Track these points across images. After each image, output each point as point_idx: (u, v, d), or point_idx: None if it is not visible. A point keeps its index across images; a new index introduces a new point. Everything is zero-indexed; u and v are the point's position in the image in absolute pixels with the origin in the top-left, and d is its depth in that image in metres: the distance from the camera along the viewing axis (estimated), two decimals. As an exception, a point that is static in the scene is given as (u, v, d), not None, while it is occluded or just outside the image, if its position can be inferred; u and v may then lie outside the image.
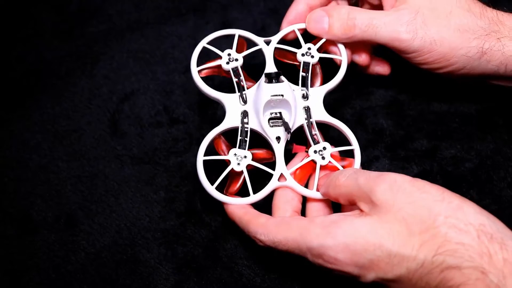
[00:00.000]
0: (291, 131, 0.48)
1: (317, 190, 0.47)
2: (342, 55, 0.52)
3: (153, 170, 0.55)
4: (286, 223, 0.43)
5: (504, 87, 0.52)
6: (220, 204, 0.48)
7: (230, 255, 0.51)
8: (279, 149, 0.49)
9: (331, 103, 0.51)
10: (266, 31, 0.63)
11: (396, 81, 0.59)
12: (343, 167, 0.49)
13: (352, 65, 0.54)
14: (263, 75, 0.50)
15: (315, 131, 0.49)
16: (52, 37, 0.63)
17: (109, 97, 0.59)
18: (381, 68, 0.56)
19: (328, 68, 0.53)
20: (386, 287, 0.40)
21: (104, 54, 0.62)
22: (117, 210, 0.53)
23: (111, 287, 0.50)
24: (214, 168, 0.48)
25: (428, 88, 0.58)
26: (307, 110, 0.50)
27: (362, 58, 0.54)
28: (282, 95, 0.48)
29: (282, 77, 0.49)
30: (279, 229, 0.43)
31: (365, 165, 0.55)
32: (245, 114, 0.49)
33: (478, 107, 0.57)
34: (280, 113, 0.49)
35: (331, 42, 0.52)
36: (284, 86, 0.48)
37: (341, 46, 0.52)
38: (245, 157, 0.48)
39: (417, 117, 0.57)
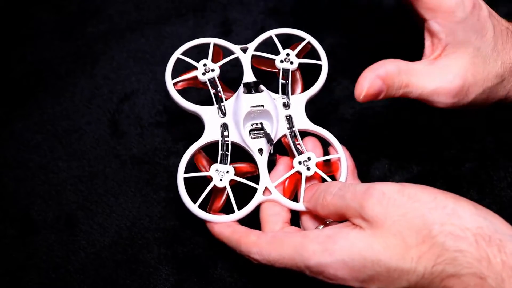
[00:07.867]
0: (274, 142, 0.47)
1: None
2: (322, 60, 0.50)
3: (153, 170, 0.55)
4: (279, 240, 0.42)
5: None
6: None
7: (230, 255, 0.51)
8: (262, 162, 0.47)
9: (331, 102, 0.51)
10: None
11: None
12: (330, 172, 0.47)
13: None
14: (241, 85, 0.48)
15: (299, 141, 0.48)
16: (52, 37, 0.63)
17: (109, 97, 0.59)
18: None
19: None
20: None
21: (104, 54, 0.62)
22: (117, 210, 0.53)
23: (111, 287, 0.50)
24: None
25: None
26: (289, 119, 0.48)
27: None
28: (263, 106, 0.46)
29: (262, 86, 0.47)
30: (272, 246, 0.41)
31: (365, 165, 0.55)
32: (224, 126, 0.47)
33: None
34: (261, 123, 0.47)
35: (309, 46, 0.51)
36: (264, 96, 0.46)
37: (321, 51, 0.51)
38: (227, 172, 0.46)
39: (417, 117, 0.57)
